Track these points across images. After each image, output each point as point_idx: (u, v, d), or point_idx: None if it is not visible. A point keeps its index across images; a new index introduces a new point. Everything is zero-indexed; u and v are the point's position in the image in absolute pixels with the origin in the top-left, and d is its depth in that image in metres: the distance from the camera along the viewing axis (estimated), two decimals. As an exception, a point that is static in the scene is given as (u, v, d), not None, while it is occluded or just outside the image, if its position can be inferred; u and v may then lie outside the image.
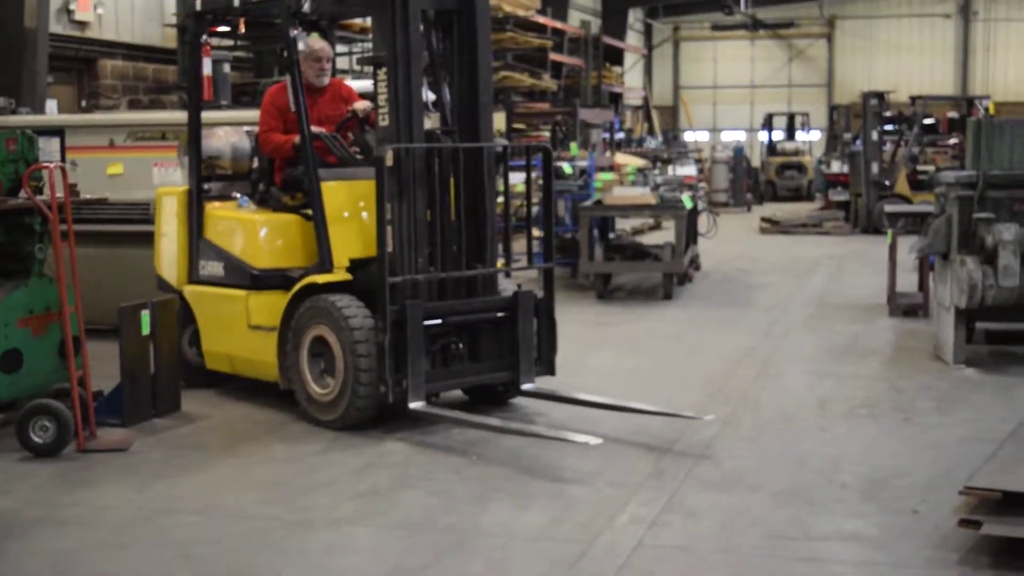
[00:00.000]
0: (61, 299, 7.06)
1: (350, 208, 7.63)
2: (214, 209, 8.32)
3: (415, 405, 7.03)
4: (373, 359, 7.04)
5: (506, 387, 7.75)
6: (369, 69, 8.12)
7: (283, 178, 8.08)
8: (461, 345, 7.42)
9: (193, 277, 8.34)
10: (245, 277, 7.93)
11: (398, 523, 5.58)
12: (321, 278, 7.43)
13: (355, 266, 7.50)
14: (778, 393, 8.25)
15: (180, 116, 11.11)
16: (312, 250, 7.79)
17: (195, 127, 8.40)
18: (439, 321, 7.27)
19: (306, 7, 7.57)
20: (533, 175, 8.51)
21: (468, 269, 7.47)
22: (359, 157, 7.96)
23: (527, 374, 7.57)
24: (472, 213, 7.49)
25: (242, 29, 14.86)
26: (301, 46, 7.67)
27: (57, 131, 10.95)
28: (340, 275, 7.46)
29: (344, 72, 17.73)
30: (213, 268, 8.17)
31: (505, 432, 6.93)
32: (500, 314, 7.53)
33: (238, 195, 8.40)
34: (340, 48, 18.58)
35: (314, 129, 7.75)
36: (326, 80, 8.19)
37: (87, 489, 6.14)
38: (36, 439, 6.69)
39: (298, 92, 7.61)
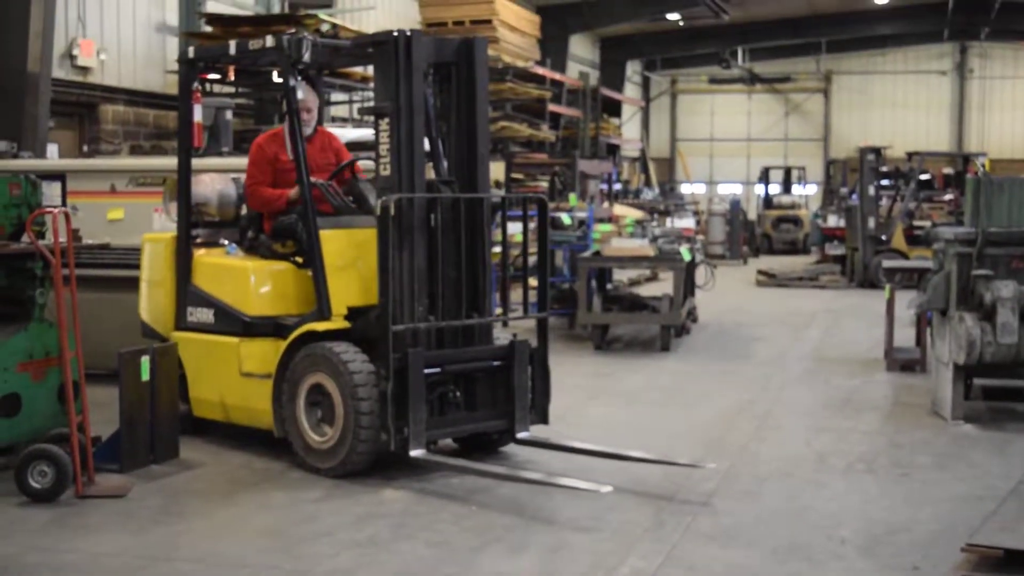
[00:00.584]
0: (62, 344, 7.06)
1: (348, 256, 7.66)
2: (203, 256, 8.34)
3: (416, 453, 7.04)
4: (374, 407, 7.06)
5: (500, 435, 7.78)
6: (368, 118, 8.19)
7: (273, 226, 8.12)
8: (458, 393, 7.45)
9: (180, 324, 8.33)
10: (237, 324, 7.94)
11: (397, 573, 5.56)
12: (320, 326, 7.44)
13: (353, 314, 7.52)
14: (776, 447, 8.24)
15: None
16: (304, 298, 7.86)
17: (185, 174, 8.43)
18: (438, 369, 7.30)
19: (306, 57, 7.60)
20: (531, 225, 8.57)
21: (465, 318, 7.51)
22: (352, 206, 8.03)
23: (522, 422, 7.61)
24: (469, 263, 7.55)
25: (231, 76, 14.98)
26: (300, 95, 7.72)
27: (58, 176, 10.98)
28: (338, 323, 7.48)
29: (344, 120, 17.84)
30: (202, 315, 8.17)
31: (512, 480, 6.96)
32: (496, 363, 7.58)
33: (226, 242, 8.46)
34: (340, 96, 18.71)
35: (295, 195, 7.85)
36: (310, 129, 8.23)
37: (85, 535, 6.11)
38: (35, 484, 6.67)
39: (297, 141, 7.65)
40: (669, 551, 5.86)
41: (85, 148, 15.43)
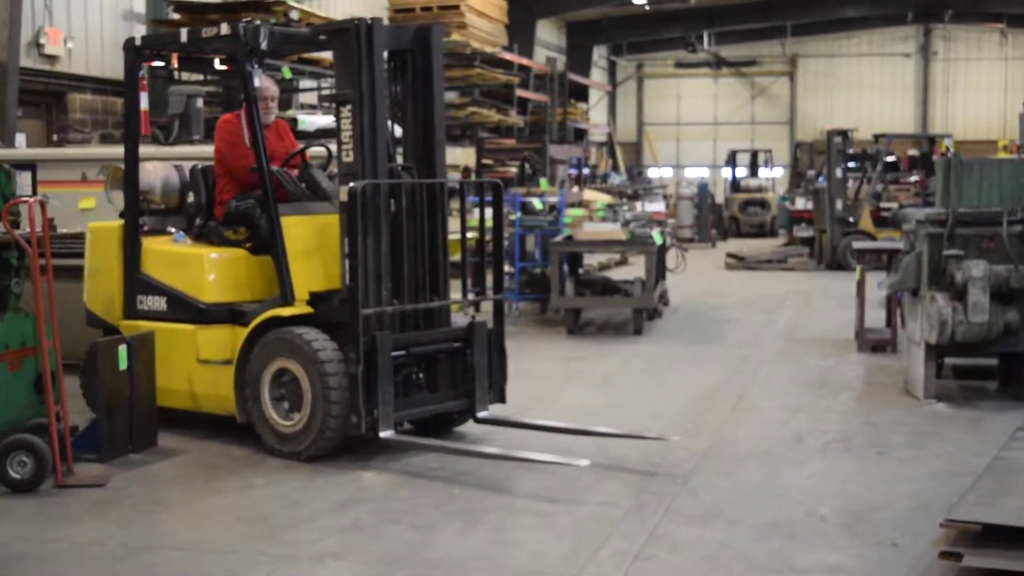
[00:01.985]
0: (39, 334, 7.02)
1: (308, 242, 7.71)
2: (153, 244, 8.33)
3: (386, 434, 7.16)
4: (343, 390, 7.14)
5: (459, 415, 7.93)
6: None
7: (226, 212, 8.15)
8: (421, 375, 7.57)
9: (130, 312, 8.31)
10: (192, 312, 7.96)
11: (383, 558, 5.59)
12: (286, 311, 7.50)
13: (315, 299, 7.57)
14: (754, 427, 8.31)
15: (152, 150, 11.12)
16: (258, 284, 7.97)
17: (132, 162, 8.40)
18: (403, 352, 7.41)
19: (263, 45, 7.61)
20: (499, 211, 8.61)
21: (427, 301, 7.61)
22: (307, 192, 8.10)
23: (482, 402, 7.78)
24: (430, 247, 7.65)
25: (175, 63, 14.87)
26: (257, 82, 7.72)
27: (29, 165, 10.90)
28: (302, 308, 7.54)
29: (313, 107, 17.77)
30: (154, 303, 8.17)
31: (491, 458, 7.09)
32: (456, 344, 7.71)
33: (173, 230, 8.47)
34: (310, 83, 18.63)
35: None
36: (271, 118, 8.31)
37: (68, 525, 6.10)
38: (14, 474, 6.65)
39: (256, 129, 7.67)
40: (652, 530, 5.91)
41: (55, 137, 15.31)
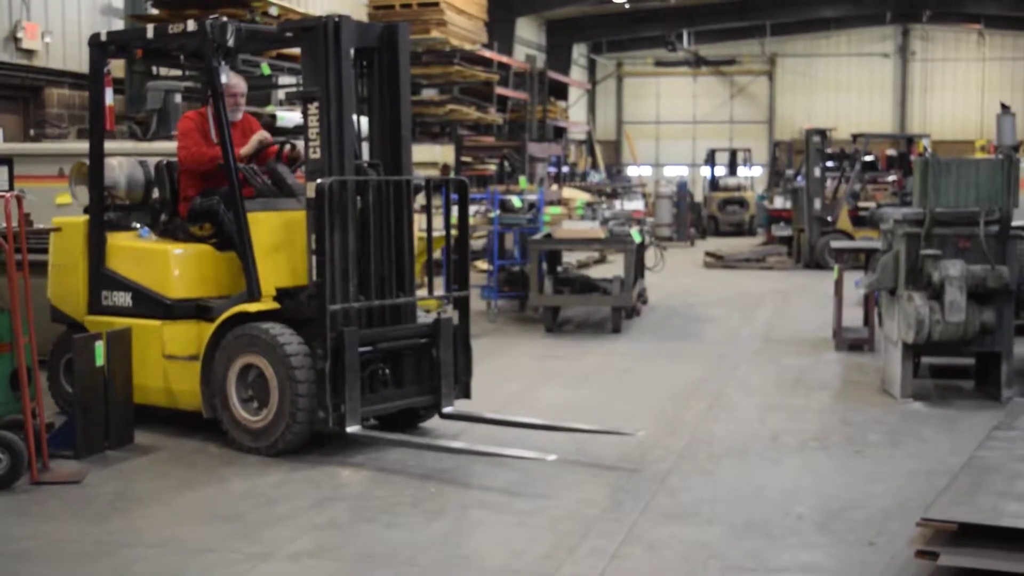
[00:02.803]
0: (15, 330, 6.98)
1: (275, 238, 7.72)
2: (118, 239, 8.31)
3: (352, 429, 7.21)
4: (310, 386, 7.19)
5: (425, 410, 8.01)
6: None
7: (191, 208, 8.15)
8: (387, 371, 7.59)
9: (94, 308, 8.28)
10: (157, 307, 7.95)
11: (359, 556, 5.58)
12: (252, 307, 7.53)
13: (281, 295, 7.61)
14: (731, 425, 8.32)
15: (129, 145, 11.10)
16: (224, 279, 8.00)
17: (97, 158, 8.35)
18: (370, 348, 7.44)
19: (231, 42, 7.63)
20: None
21: (393, 297, 7.65)
22: (273, 188, 8.10)
23: (447, 397, 7.83)
24: (396, 243, 7.68)
25: (139, 55, 14.73)
26: (224, 79, 7.70)
27: (5, 160, 10.86)
28: (269, 304, 7.57)
29: (294, 104, 17.68)
30: (119, 299, 8.16)
31: (460, 453, 7.20)
32: (422, 340, 7.75)
33: (137, 225, 8.44)
34: (289, 80, 18.56)
35: (263, 136, 8.05)
36: (239, 115, 8.32)
37: (43, 522, 6.07)
38: (-11, 471, 6.62)
39: (223, 125, 7.67)
40: (629, 529, 5.92)
41: (32, 132, 15.24)
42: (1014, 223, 9.01)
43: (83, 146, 11.61)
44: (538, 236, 13.73)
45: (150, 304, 7.99)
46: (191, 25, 7.72)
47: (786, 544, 5.72)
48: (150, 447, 7.62)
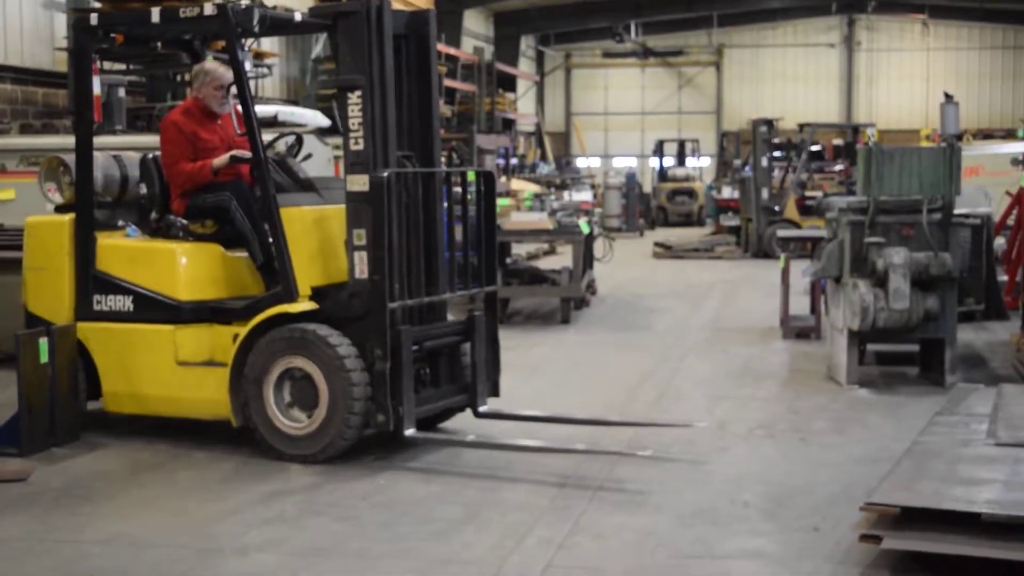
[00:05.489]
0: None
1: (309, 234, 7.36)
2: (109, 239, 7.85)
3: (410, 432, 6.98)
4: (365, 388, 6.93)
5: (459, 410, 7.75)
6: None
7: (192, 205, 7.79)
8: (427, 370, 7.41)
9: (84, 313, 7.77)
10: (166, 311, 7.51)
11: (307, 549, 5.57)
12: (294, 307, 7.15)
13: (319, 294, 7.26)
14: (679, 415, 8.35)
15: (73, 141, 10.97)
16: (234, 279, 7.66)
17: (85, 152, 7.84)
18: (417, 347, 7.20)
19: (256, 28, 7.28)
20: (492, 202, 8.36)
21: (426, 294, 7.37)
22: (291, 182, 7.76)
23: (482, 396, 7.63)
24: (428, 238, 7.42)
25: (119, 41, 14.56)
26: (248, 65, 7.46)
27: (-53, 156, 10.73)
28: (309, 304, 7.21)
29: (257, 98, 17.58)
30: (115, 302, 7.66)
31: (519, 451, 7.07)
32: (455, 338, 7.57)
33: (122, 223, 8.02)
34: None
35: (237, 153, 7.64)
36: (228, 108, 7.99)
37: (-13, 520, 6.03)
38: (-68, 470, 6.55)
39: (249, 116, 7.30)
40: (576, 519, 5.94)
41: (-28, 128, 15.04)
42: (956, 211, 9.12)
43: (25, 141, 11.53)
44: (487, 228, 13.71)
45: (156, 308, 7.52)
46: (209, 8, 7.32)
47: (732, 531, 5.77)
48: (97, 444, 7.55)
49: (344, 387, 6.88)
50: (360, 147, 7.04)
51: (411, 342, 7.02)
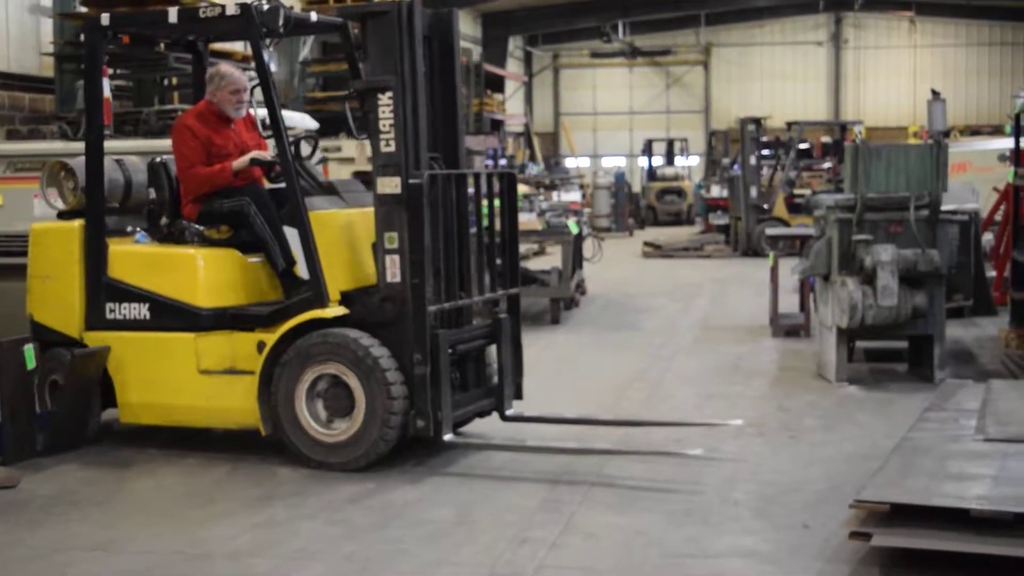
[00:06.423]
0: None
1: (337, 238, 7.29)
2: (121, 245, 7.66)
3: (448, 437, 6.93)
4: (403, 393, 6.87)
5: (487, 413, 7.66)
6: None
7: (206, 210, 7.62)
8: (457, 374, 7.35)
9: (96, 322, 7.56)
10: (187, 318, 7.34)
11: (298, 553, 5.56)
12: (327, 312, 7.05)
13: (349, 298, 7.17)
14: (669, 414, 8.37)
15: (60, 146, 10.93)
16: (254, 285, 7.55)
17: (96, 156, 7.63)
18: (451, 351, 7.14)
19: (281, 28, 7.19)
20: (514, 203, 8.29)
21: (457, 297, 7.27)
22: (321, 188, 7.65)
23: (508, 399, 7.56)
24: (458, 239, 7.34)
25: (125, 41, 14.52)
26: (274, 67, 7.41)
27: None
28: (341, 309, 7.11)
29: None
30: (131, 311, 7.48)
31: (560, 453, 7.09)
32: (483, 341, 7.52)
33: (130, 228, 7.86)
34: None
35: (257, 154, 7.58)
36: (244, 112, 7.86)
37: (-24, 528, 6.01)
38: (-80, 478, 6.52)
39: (277, 119, 7.20)
40: (568, 520, 5.94)
41: (-41, 134, 15.00)
42: (943, 207, 9.14)
43: (11, 147, 11.48)
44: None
45: (176, 315, 7.35)
46: (231, 8, 7.19)
47: (723, 530, 5.77)
48: (85, 451, 7.52)
49: (383, 393, 6.80)
50: (392, 149, 6.94)
51: (448, 346, 6.97)
